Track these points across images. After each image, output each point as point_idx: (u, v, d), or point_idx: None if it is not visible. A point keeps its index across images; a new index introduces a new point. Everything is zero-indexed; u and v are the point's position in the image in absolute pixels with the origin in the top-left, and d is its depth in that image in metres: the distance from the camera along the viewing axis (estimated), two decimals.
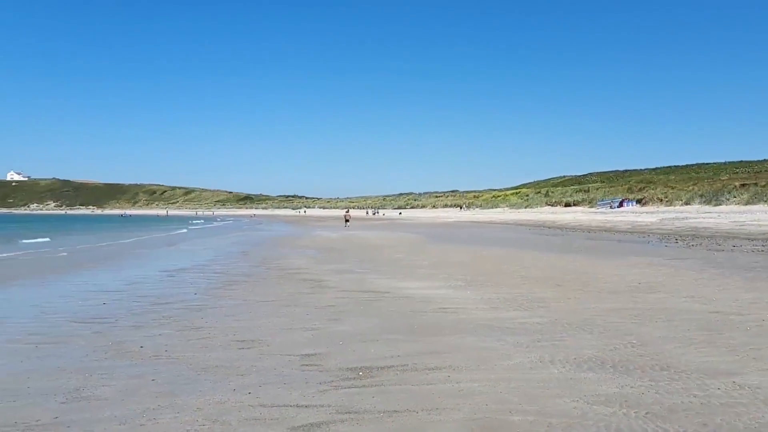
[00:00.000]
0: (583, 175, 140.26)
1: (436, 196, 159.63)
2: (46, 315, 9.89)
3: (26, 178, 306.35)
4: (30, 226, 72.58)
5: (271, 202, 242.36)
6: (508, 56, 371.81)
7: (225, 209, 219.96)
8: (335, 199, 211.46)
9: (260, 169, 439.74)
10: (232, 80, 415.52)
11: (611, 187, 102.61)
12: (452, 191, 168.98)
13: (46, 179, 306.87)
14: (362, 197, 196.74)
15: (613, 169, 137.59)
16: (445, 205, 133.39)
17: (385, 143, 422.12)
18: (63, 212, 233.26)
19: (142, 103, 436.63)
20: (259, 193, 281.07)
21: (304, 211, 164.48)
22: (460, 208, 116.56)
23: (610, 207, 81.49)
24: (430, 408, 5.19)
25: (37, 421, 5.01)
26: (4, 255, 24.38)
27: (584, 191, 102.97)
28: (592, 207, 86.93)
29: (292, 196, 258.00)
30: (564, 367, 6.39)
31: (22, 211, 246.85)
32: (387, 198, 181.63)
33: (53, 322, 9.23)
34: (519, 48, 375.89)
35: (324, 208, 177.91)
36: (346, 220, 60.45)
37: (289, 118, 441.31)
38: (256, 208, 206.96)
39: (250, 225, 74.52)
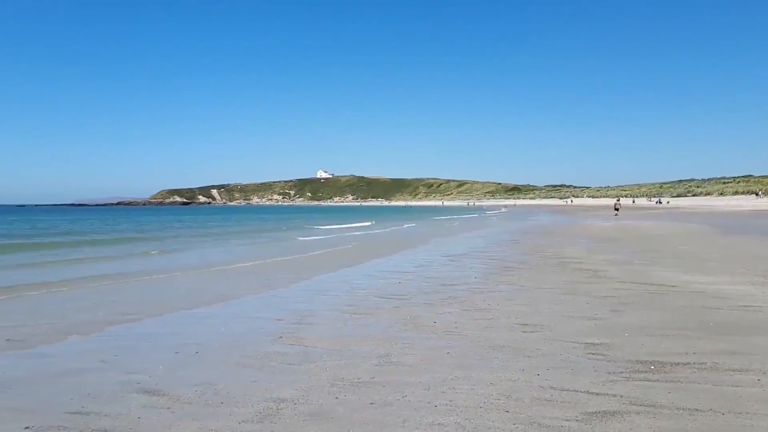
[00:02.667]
0: None
1: (724, 182, 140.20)
2: (356, 290, 11.56)
3: (331, 176, 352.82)
4: (343, 215, 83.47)
5: (538, 192, 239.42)
6: None
7: (494, 200, 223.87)
8: (605, 187, 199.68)
9: (527, 159, 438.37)
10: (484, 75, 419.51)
11: None
12: (745, 177, 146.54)
13: (345, 176, 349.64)
14: (635, 185, 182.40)
15: None
16: (735, 192, 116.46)
17: (657, 124, 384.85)
18: (358, 204, 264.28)
19: (418, 106, 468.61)
20: (526, 183, 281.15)
21: (571, 201, 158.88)
22: (757, 195, 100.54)
23: None
24: (738, 411, 4.84)
25: (358, 378, 5.93)
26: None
27: None
28: None
29: (560, 186, 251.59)
30: None
31: (327, 203, 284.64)
32: (664, 185, 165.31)
33: (362, 297, 10.75)
34: None
35: (593, 197, 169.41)
36: (616, 209, 57.65)
37: (557, 105, 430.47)
38: (522, 198, 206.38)
39: (517, 215, 74.78)
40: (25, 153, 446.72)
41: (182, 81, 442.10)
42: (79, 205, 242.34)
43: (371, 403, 5.15)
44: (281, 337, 7.72)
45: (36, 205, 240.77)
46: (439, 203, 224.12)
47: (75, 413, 4.97)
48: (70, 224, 56.18)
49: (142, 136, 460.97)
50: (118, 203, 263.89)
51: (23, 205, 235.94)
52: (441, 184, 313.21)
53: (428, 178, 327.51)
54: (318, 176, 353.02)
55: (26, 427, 4.65)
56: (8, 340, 7.85)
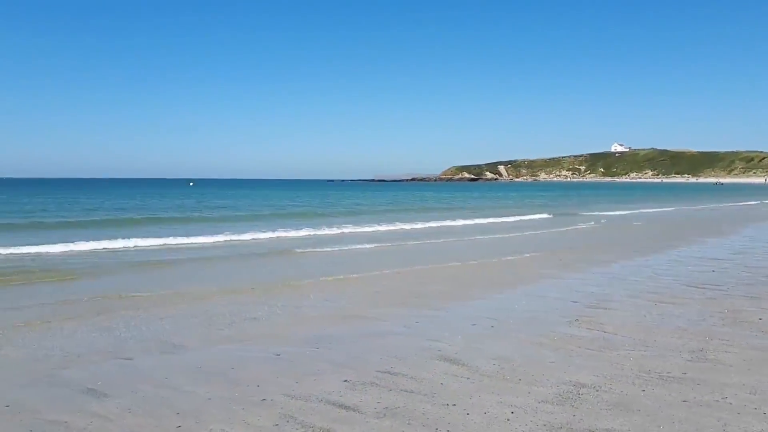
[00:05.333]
0: None
1: None
2: (659, 276, 10.60)
3: (627, 149, 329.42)
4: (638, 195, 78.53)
5: None
6: None
7: None
8: None
9: None
10: None
11: None
12: None
13: (644, 149, 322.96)
14: None
15: None
16: None
17: None
18: (659, 180, 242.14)
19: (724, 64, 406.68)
20: None
21: None
22: None
23: None
24: None
25: (668, 372, 5.38)
26: None
27: None
28: None
29: None
30: None
31: (622, 180, 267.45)
32: None
33: (666, 284, 9.80)
34: None
35: None
36: None
37: None
38: None
39: None
40: (334, 132, 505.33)
41: (470, 57, 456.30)
42: (378, 180, 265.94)
43: (684, 401, 4.65)
44: (577, 320, 7.45)
45: (342, 180, 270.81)
46: (761, 180, 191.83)
47: (384, 372, 5.47)
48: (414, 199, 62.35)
49: (432, 112, 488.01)
50: (412, 179, 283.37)
51: (331, 180, 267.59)
52: (764, 158, 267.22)
53: (746, 152, 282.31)
54: (612, 150, 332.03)
55: (345, 380, 5.27)
56: (326, 300, 9.06)
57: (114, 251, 14.96)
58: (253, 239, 18.54)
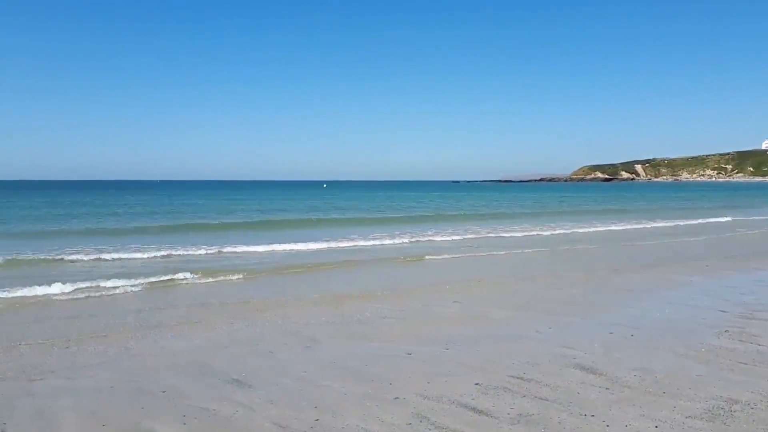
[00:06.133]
0: None
1: None
2: None
3: None
4: None
5: None
6: None
7: None
8: None
9: None
10: None
11: None
12: None
13: None
14: None
15: None
16: None
17: None
18: None
19: None
20: None
21: None
22: None
23: None
24: None
25: None
26: None
27: None
28: None
29: None
30: None
31: None
32: None
33: None
34: None
35: None
36: None
37: None
38: None
39: None
40: (460, 132, 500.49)
41: (599, 47, 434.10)
42: (505, 181, 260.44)
43: None
44: (727, 331, 6.87)
45: (468, 181, 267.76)
46: None
47: (517, 378, 5.36)
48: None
49: (562, 108, 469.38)
50: (540, 179, 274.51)
51: (457, 181, 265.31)
52: None
53: None
54: (763, 147, 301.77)
55: (476, 383, 5.22)
56: (455, 302, 9.02)
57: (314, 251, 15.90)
58: (394, 243, 18.78)
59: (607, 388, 5.04)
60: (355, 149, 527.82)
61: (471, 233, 21.44)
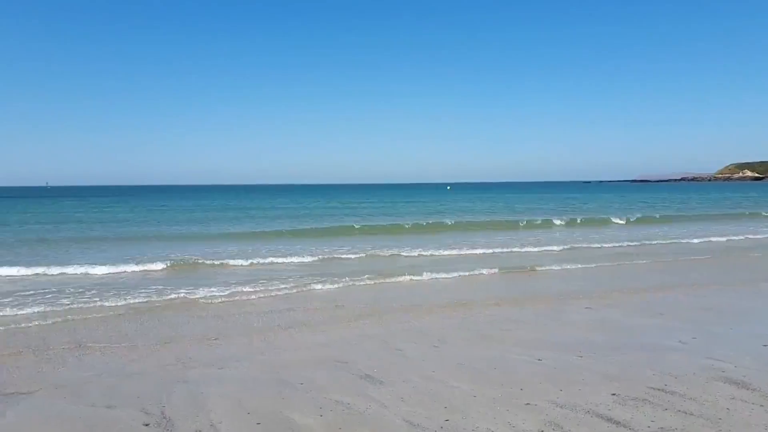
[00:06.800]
0: None
1: None
2: None
3: None
4: None
5: None
6: None
7: None
8: None
9: None
10: None
11: None
12: None
13: None
14: None
15: None
16: None
17: None
18: None
19: None
20: None
21: None
22: None
23: None
24: None
25: None
26: None
27: None
28: None
29: None
30: None
31: None
32: None
33: None
34: None
35: None
36: None
37: None
38: None
39: None
40: (590, 129, 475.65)
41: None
42: (641, 181, 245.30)
43: None
44: None
45: (599, 182, 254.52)
46: None
47: (658, 390, 5.06)
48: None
49: (704, 101, 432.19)
50: (681, 178, 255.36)
51: (588, 182, 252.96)
52: None
53: None
54: None
55: (613, 393, 4.99)
56: (587, 308, 8.67)
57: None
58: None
59: (761, 405, 4.63)
60: (477, 152, 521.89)
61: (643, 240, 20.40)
